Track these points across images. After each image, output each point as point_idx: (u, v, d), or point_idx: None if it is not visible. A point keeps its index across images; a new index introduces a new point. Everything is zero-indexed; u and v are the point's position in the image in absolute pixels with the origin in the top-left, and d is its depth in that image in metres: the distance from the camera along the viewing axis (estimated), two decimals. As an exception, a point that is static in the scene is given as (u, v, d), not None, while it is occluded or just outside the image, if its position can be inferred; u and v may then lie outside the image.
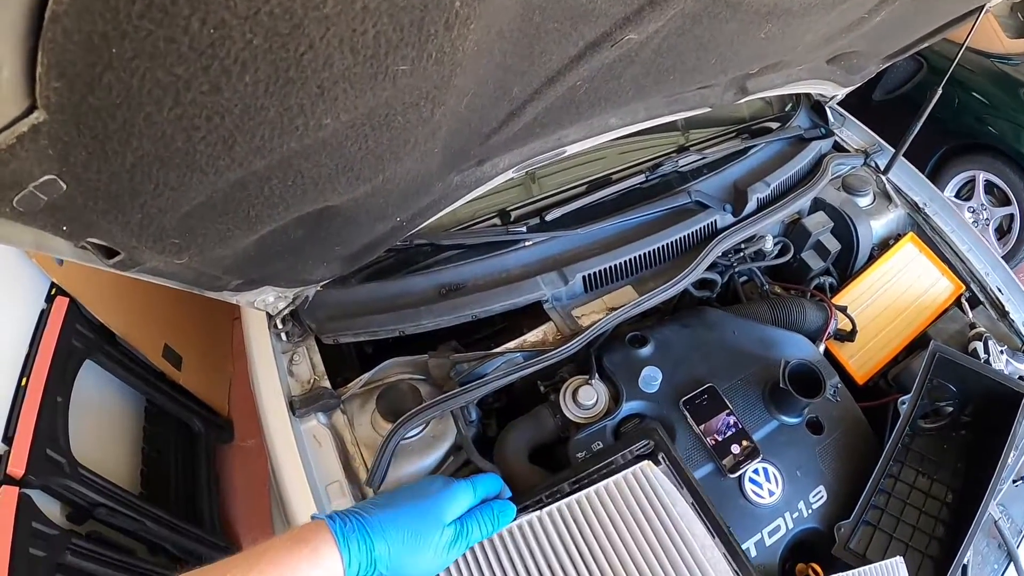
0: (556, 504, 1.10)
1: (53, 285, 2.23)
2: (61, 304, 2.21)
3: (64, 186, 0.63)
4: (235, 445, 2.95)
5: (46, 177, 0.61)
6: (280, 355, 1.54)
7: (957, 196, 4.15)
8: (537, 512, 1.10)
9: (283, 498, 1.35)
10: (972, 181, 4.04)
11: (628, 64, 1.04)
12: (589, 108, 1.19)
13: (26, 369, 2.02)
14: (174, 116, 0.59)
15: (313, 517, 0.88)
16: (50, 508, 1.92)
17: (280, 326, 1.54)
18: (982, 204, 4.03)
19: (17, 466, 1.82)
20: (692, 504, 1.10)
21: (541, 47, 0.85)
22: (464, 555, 1.04)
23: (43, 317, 2.16)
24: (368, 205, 1.04)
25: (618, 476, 1.13)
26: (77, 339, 2.22)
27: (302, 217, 0.98)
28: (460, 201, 1.37)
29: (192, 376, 2.79)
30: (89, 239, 0.78)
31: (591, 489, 1.12)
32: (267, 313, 1.50)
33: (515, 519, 1.08)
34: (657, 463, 1.18)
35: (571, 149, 1.42)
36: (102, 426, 2.37)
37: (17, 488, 1.79)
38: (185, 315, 2.97)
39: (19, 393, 1.97)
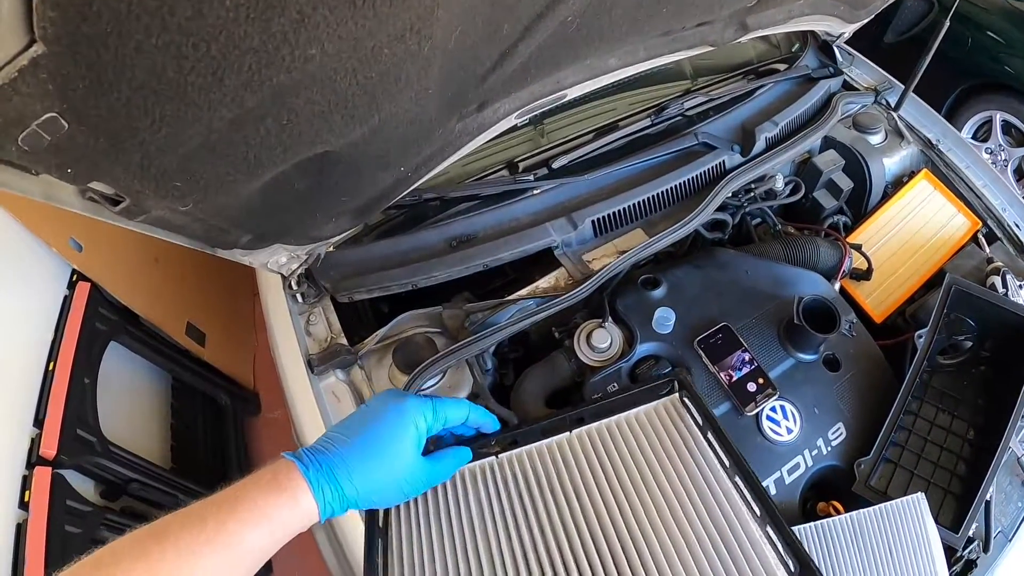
0: (584, 428, 1.10)
1: (74, 272, 2.27)
2: (83, 289, 2.25)
3: (66, 124, 0.65)
4: (262, 417, 3.00)
5: (48, 115, 0.63)
6: (297, 316, 1.56)
7: (974, 137, 4.07)
8: (565, 435, 1.10)
9: (304, 455, 1.38)
10: (989, 122, 3.97)
11: (618, -3, 1.04)
12: (584, 46, 1.18)
13: (53, 354, 2.07)
14: (162, 43, 0.61)
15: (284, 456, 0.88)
16: (84, 486, 1.97)
17: (295, 287, 1.55)
18: (1000, 145, 3.96)
19: (49, 447, 1.87)
20: (714, 444, 1.08)
21: (525, -20, 0.85)
22: (486, 475, 1.06)
23: (66, 303, 2.20)
24: (368, 151, 1.05)
25: (648, 407, 1.12)
26: (100, 322, 2.27)
27: (303, 164, 0.98)
28: (464, 149, 1.36)
29: (216, 352, 2.83)
30: (93, 184, 0.80)
31: (619, 416, 1.11)
32: (282, 275, 1.51)
33: (534, 443, 1.09)
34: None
35: (572, 92, 1.41)
36: (130, 404, 2.42)
37: (50, 468, 1.85)
38: (206, 292, 3.01)
39: (47, 377, 2.02)
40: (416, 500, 1.04)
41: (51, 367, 2.04)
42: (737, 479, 0.99)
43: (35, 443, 1.87)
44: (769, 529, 0.93)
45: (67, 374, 2.04)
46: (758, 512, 0.94)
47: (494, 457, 1.09)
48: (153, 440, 2.44)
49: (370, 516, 0.99)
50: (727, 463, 1.01)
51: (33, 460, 1.85)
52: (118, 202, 0.85)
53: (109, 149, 0.73)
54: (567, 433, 1.10)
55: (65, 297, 2.22)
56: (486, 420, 1.06)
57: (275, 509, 0.80)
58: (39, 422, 1.92)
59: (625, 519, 0.97)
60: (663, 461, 1.04)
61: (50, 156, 0.70)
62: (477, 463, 1.08)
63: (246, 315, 3.23)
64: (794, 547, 0.89)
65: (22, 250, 2.14)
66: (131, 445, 2.19)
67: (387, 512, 1.02)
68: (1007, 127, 3.91)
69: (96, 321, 2.25)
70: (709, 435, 1.05)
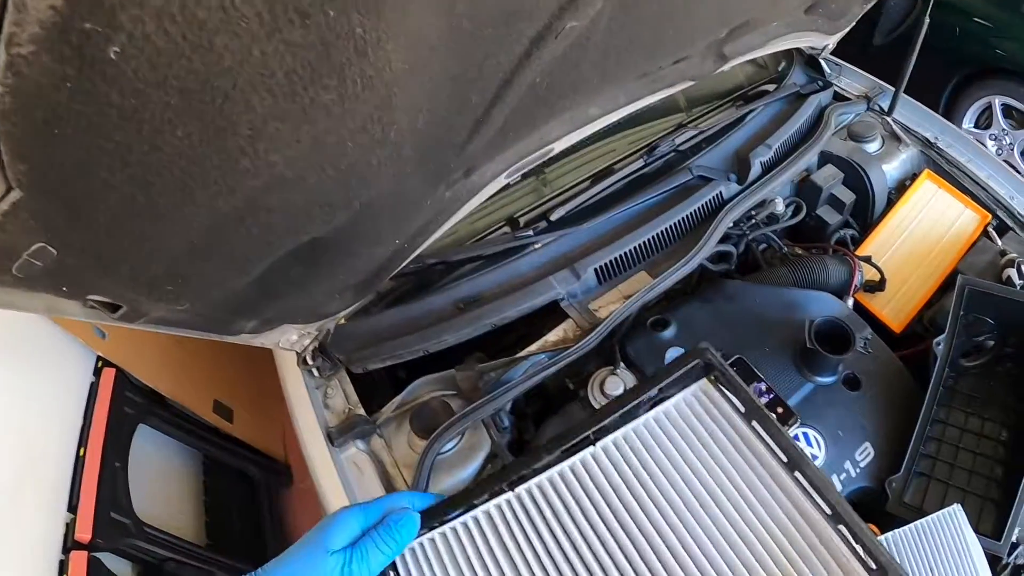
0: (611, 436, 1.04)
1: (99, 358, 2.30)
2: (109, 375, 2.27)
3: (54, 251, 0.69)
4: (295, 487, 2.97)
5: (36, 245, 0.67)
6: (314, 390, 1.58)
7: (976, 125, 4.05)
8: (588, 449, 1.04)
9: (332, 527, 1.38)
10: (990, 108, 3.95)
11: (583, 51, 1.04)
12: (560, 102, 1.19)
13: (83, 440, 2.09)
14: (127, 176, 0.64)
15: None
16: (120, 568, 1.98)
17: (310, 362, 1.56)
18: (1003, 129, 3.94)
19: (84, 532, 1.88)
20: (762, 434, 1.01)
21: (484, 52, 0.86)
22: (504, 513, 1.01)
23: (93, 389, 2.22)
24: (357, 232, 1.06)
25: (677, 398, 1.06)
26: (128, 406, 2.29)
27: (294, 252, 1.00)
28: (460, 214, 1.37)
29: (244, 426, 2.83)
30: (90, 296, 0.83)
31: (648, 415, 1.05)
32: (296, 352, 1.53)
33: (555, 467, 1.04)
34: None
35: (558, 146, 1.41)
36: (163, 484, 2.44)
37: (86, 552, 1.85)
38: (230, 369, 3.02)
39: (79, 463, 2.03)
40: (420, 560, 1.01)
41: (82, 453, 2.06)
42: (797, 474, 0.94)
43: (70, 528, 1.89)
44: (842, 527, 0.88)
45: (98, 459, 2.05)
46: (828, 511, 0.90)
47: (509, 492, 1.03)
48: (187, 518, 2.45)
49: None
50: (783, 457, 0.95)
51: (69, 545, 1.86)
52: (117, 308, 0.88)
53: (97, 267, 0.76)
54: (591, 447, 1.04)
55: (92, 383, 2.24)
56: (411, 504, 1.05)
57: None
58: (73, 507, 1.93)
59: (677, 534, 0.92)
60: (706, 460, 0.97)
61: (45, 279, 0.73)
62: (491, 503, 1.04)
63: (272, 388, 3.09)
64: (870, 545, 0.85)
65: (48, 341, 2.18)
66: (165, 524, 2.20)
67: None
68: (1008, 110, 3.89)
69: (124, 405, 2.27)
70: (754, 423, 0.99)
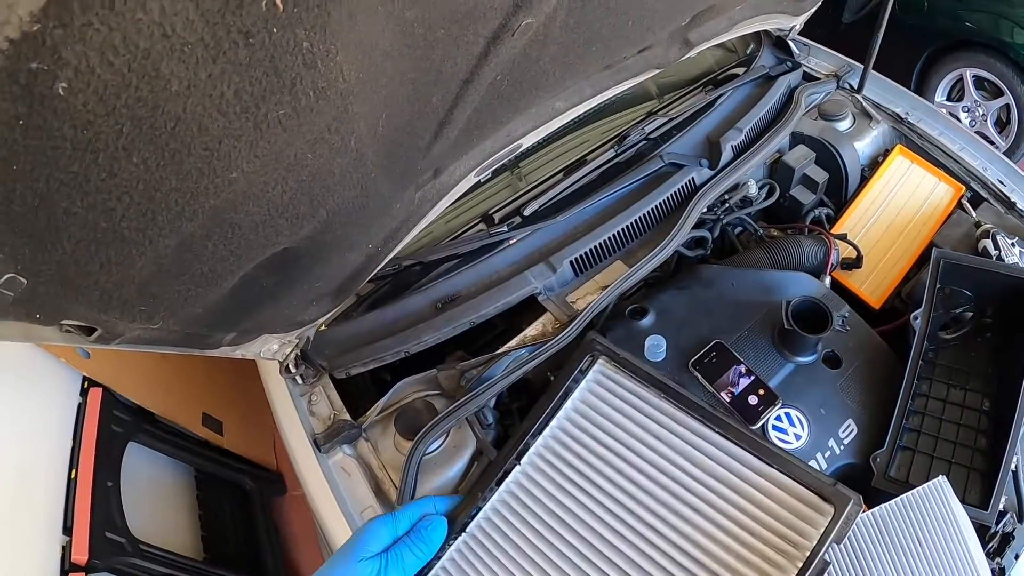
0: (532, 448, 1.12)
1: (85, 379, 2.30)
2: (95, 395, 2.27)
3: (24, 281, 0.69)
4: (288, 495, 2.98)
5: (6, 276, 0.67)
6: (298, 398, 1.58)
7: (949, 98, 4.08)
8: (514, 470, 1.12)
9: (324, 532, 1.40)
10: (961, 80, 3.98)
11: (542, 47, 1.04)
12: (522, 98, 1.19)
13: (73, 461, 2.09)
14: (88, 204, 0.65)
15: None
16: (119, 588, 1.98)
17: (293, 370, 1.56)
18: (975, 101, 3.96)
19: (80, 554, 1.88)
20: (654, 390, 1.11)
21: (440, 54, 0.86)
22: (473, 537, 1.10)
23: (81, 410, 2.22)
24: (328, 240, 1.06)
25: (574, 395, 1.15)
26: (117, 424, 2.28)
27: (264, 264, 1.00)
28: (432, 214, 1.38)
29: (235, 438, 2.83)
30: (64, 321, 0.83)
31: (557, 418, 1.13)
32: (278, 361, 1.53)
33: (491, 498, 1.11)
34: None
35: (526, 142, 1.41)
36: (157, 501, 2.43)
37: (84, 574, 1.86)
38: (217, 380, 3.02)
39: (71, 485, 2.03)
40: None
41: (73, 475, 2.06)
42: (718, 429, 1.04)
43: (66, 551, 1.89)
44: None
45: (89, 479, 2.05)
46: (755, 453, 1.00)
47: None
48: (183, 533, 2.44)
49: None
50: (698, 416, 1.05)
51: (66, 568, 1.86)
52: (92, 331, 0.89)
53: (68, 293, 0.76)
54: (515, 470, 1.13)
55: (79, 404, 2.24)
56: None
57: None
58: (68, 529, 1.94)
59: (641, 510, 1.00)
60: (619, 434, 1.07)
61: (18, 308, 0.74)
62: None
63: (260, 397, 3.12)
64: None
65: (32, 364, 2.18)
66: (162, 541, 2.20)
67: None
68: (979, 82, 3.91)
69: (112, 424, 2.26)
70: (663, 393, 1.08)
